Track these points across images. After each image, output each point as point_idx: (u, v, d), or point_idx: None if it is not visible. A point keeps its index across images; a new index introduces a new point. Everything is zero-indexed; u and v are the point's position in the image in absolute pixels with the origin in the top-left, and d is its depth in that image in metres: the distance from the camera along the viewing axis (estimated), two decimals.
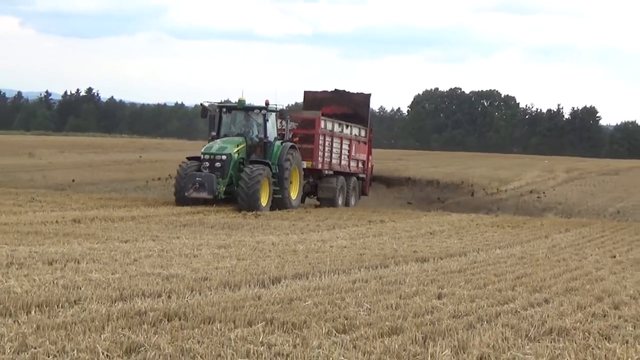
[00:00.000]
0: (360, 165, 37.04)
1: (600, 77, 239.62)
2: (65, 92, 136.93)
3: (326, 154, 34.01)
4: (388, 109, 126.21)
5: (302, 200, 33.62)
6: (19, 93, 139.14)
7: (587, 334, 11.30)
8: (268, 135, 30.23)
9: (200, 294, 13.19)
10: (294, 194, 31.13)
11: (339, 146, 34.92)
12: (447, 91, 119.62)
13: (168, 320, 11.02)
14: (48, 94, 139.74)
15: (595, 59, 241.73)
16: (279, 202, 30.00)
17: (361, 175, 37.10)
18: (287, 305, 12.52)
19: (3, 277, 13.76)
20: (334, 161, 34.62)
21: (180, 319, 11.11)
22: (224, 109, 30.75)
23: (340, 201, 34.36)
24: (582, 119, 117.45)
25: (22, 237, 19.89)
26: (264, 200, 28.90)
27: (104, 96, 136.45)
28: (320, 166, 33.43)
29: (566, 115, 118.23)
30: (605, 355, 9.98)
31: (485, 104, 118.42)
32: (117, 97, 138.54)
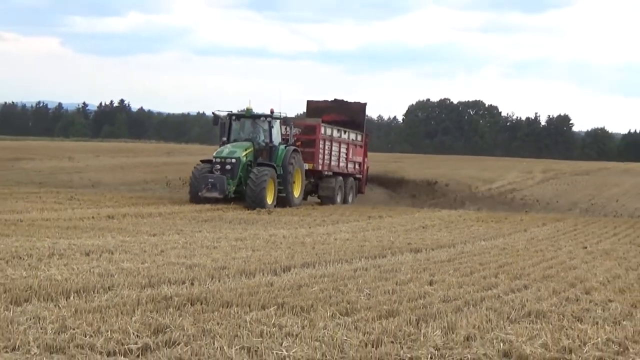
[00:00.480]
0: (357, 166, 38.77)
1: (572, 88, 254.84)
2: (100, 104, 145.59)
3: (326, 157, 35.60)
4: (385, 117, 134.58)
5: (305, 198, 35.04)
6: (60, 104, 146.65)
7: (561, 316, 11.66)
8: (273, 140, 31.77)
9: (219, 281, 13.58)
10: (296, 192, 32.68)
11: (338, 150, 36.71)
12: (437, 102, 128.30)
13: (191, 304, 11.42)
14: (85, 105, 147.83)
15: (567, 72, 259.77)
16: (283, 200, 31.51)
17: (358, 176, 38.84)
18: (296, 291, 12.83)
19: (45, 266, 14.17)
20: (333, 163, 36.26)
21: (201, 303, 11.48)
22: (234, 117, 32.48)
23: (338, 199, 36.13)
24: (557, 126, 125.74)
25: (62, 231, 20.56)
26: (270, 199, 30.25)
27: (135, 106, 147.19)
28: (320, 168, 35.06)
29: (542, 123, 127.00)
30: (578, 335, 10.24)
31: (471, 112, 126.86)
32: (146, 108, 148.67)
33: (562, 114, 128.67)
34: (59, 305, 11.04)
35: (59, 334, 9.46)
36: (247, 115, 32.30)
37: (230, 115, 32.45)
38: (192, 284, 13.17)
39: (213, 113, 33.54)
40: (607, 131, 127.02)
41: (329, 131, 35.94)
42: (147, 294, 12.03)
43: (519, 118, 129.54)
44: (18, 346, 8.75)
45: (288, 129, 33.18)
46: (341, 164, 37.12)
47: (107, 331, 9.59)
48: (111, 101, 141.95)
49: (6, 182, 40.40)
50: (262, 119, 32.04)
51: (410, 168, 53.16)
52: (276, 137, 32.05)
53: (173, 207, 29.79)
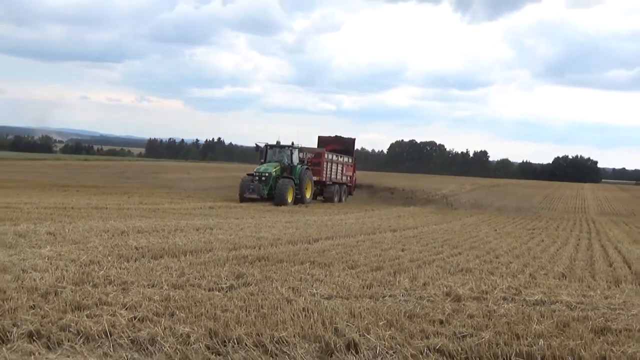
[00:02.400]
0: (348, 178, 47.50)
1: (489, 134, 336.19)
2: (206, 140, 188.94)
3: (328, 172, 43.88)
4: (377, 150, 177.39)
5: (314, 198, 42.29)
6: (182, 140, 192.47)
7: (480, 271, 13.96)
8: (293, 161, 39.42)
9: (275, 246, 16.34)
10: (308, 195, 40.09)
11: (336, 168, 45.16)
12: (408, 141, 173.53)
13: (258, 260, 13.66)
14: (197, 140, 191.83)
15: (486, 125, 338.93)
16: (298, 200, 38.27)
17: (349, 184, 47.81)
18: (322, 253, 15.35)
19: (172, 236, 17.04)
20: (332, 176, 44.56)
21: (265, 260, 13.78)
22: (269, 146, 40.30)
23: (336, 199, 44.38)
24: (479, 157, 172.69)
25: (182, 215, 25.04)
26: (290, 199, 37.15)
27: (227, 142, 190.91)
28: (324, 179, 43.27)
29: (471, 155, 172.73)
30: (491, 283, 12.29)
31: (428, 148, 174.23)
32: (234, 142, 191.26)
33: (482, 150, 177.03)
34: (180, 260, 13.16)
35: (179, 277, 11.24)
36: (277, 146, 40.22)
37: (266, 145, 40.44)
38: (259, 248, 15.74)
39: (255, 144, 41.57)
40: (510, 161, 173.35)
41: (330, 156, 44.09)
42: (232, 254, 14.34)
43: (457, 152, 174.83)
44: (155, 284, 10.55)
45: (302, 154, 41.31)
46: (338, 177, 45.20)
47: (208, 276, 11.48)
48: (213, 138, 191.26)
49: (150, 187, 50.72)
50: (286, 148, 39.78)
51: (391, 181, 63.52)
52: (295, 160, 39.60)
53: (248, 203, 36.94)
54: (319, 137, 48.46)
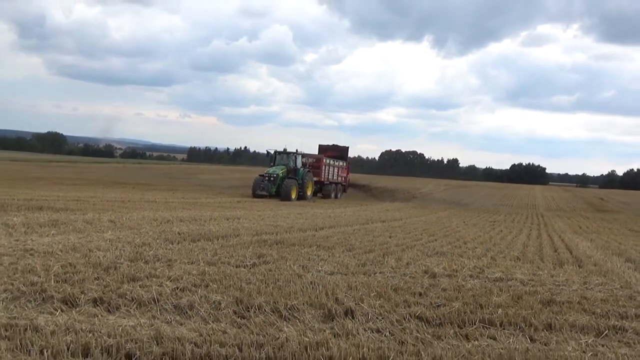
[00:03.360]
0: (343, 178, 47.07)
1: (459, 146, 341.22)
2: (235, 148, 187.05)
3: (326, 174, 43.54)
4: (370, 157, 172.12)
5: (315, 195, 41.79)
6: (216, 148, 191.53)
7: (452, 254, 13.79)
8: (297, 165, 38.94)
9: (289, 233, 16.23)
10: (309, 192, 39.57)
11: (332, 170, 44.76)
12: (394, 150, 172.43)
13: (275, 244, 13.58)
14: (228, 149, 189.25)
15: (457, 138, 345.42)
16: (301, 197, 37.72)
17: (343, 183, 47.45)
18: (326, 239, 15.20)
19: (206, 224, 17.00)
20: (330, 177, 44.23)
21: (281, 244, 13.70)
22: (277, 152, 39.90)
23: (333, 195, 44.01)
24: (452, 164, 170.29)
25: (215, 208, 24.85)
26: (294, 196, 36.66)
27: (251, 150, 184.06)
28: (323, 179, 42.90)
29: (445, 162, 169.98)
30: (460, 264, 12.18)
31: (411, 156, 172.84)
32: (257, 150, 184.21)
33: (454, 158, 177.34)
34: (213, 243, 13.11)
35: (213, 256, 11.22)
36: (284, 152, 39.80)
37: (275, 151, 40.05)
38: (276, 234, 15.67)
39: (267, 150, 40.91)
40: (476, 167, 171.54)
41: (328, 161, 43.88)
42: (255, 238, 14.31)
43: (434, 159, 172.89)
44: (193, 262, 10.49)
45: (305, 159, 40.98)
46: (334, 177, 44.90)
47: (236, 256, 11.41)
48: (240, 147, 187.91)
49: (190, 185, 51.24)
50: (291, 154, 39.37)
51: (380, 182, 63.57)
52: (299, 164, 39.15)
53: (269, 199, 36.88)
54: (319, 146, 48.30)
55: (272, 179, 37.11)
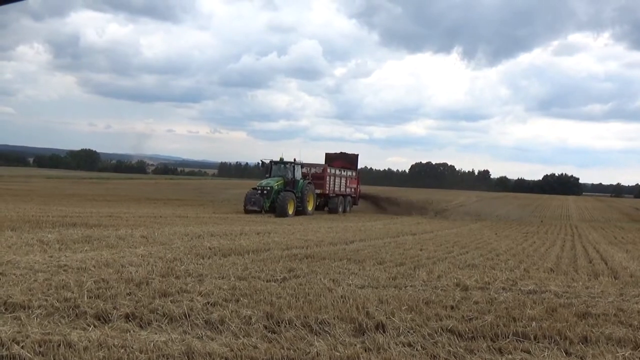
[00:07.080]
0: (352, 190, 42.18)
1: (489, 157, 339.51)
2: (267, 161, 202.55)
3: (331, 185, 39.13)
4: (400, 170, 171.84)
5: (321, 208, 38.28)
6: (247, 163, 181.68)
7: (484, 267, 13.59)
8: (295, 176, 34.63)
9: (319, 247, 16.20)
10: (310, 207, 35.26)
11: (339, 181, 40.33)
12: (425, 163, 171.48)
13: (306, 258, 13.54)
14: (259, 162, 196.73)
15: (488, 149, 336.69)
16: (300, 212, 33.06)
17: (353, 195, 42.53)
18: (356, 252, 15.14)
19: (237, 239, 16.95)
20: (336, 188, 39.59)
21: (311, 258, 13.63)
22: (274, 162, 35.58)
23: (340, 209, 39.71)
24: (483, 175, 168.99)
25: (245, 222, 24.84)
26: (291, 210, 31.95)
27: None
28: (327, 192, 38.60)
29: (476, 173, 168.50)
30: (492, 276, 11.98)
31: (442, 168, 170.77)
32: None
33: (485, 169, 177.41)
34: (244, 257, 13.04)
35: (243, 271, 11.23)
36: (280, 162, 35.56)
37: (271, 161, 35.78)
38: (307, 248, 15.66)
39: (261, 161, 35.90)
40: (507, 178, 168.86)
41: (333, 171, 39.52)
42: (285, 253, 14.27)
43: (464, 171, 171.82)
44: (224, 276, 10.43)
45: (305, 169, 36.93)
46: (341, 189, 40.19)
47: (266, 270, 11.45)
48: (271, 160, 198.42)
49: (221, 200, 51.63)
50: (288, 164, 35.19)
51: (410, 194, 61.57)
52: (298, 175, 34.92)
53: (296, 215, 34.58)
54: (326, 154, 43.48)
55: (265, 192, 32.66)
